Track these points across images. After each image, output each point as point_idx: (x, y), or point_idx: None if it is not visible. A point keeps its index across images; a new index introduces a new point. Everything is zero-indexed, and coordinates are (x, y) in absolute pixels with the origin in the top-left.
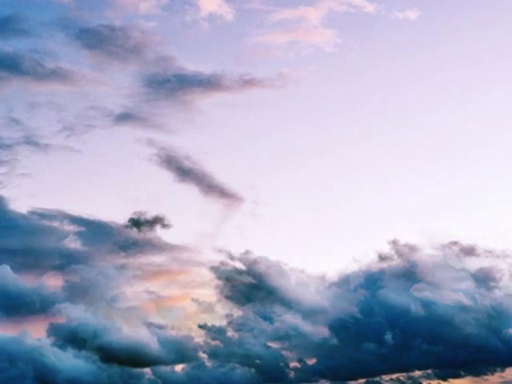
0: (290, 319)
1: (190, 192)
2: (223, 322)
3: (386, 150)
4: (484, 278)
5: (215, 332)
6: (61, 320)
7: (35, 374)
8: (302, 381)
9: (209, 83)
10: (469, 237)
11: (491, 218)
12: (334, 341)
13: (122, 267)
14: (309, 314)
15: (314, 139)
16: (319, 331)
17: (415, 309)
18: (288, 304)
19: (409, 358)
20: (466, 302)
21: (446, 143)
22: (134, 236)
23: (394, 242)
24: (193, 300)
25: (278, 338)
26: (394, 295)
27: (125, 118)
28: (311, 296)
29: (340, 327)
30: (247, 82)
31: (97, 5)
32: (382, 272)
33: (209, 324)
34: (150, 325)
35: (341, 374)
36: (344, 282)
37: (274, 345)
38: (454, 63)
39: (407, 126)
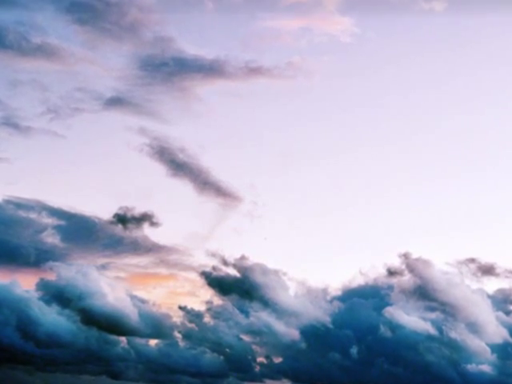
0: (266, 317)
1: (182, 188)
2: (202, 308)
3: (402, 153)
4: (502, 300)
5: (193, 315)
6: (51, 277)
7: (17, 324)
8: (265, 376)
9: (210, 69)
10: (488, 254)
11: None
12: (303, 345)
13: (104, 267)
14: (283, 315)
15: (323, 137)
16: (290, 333)
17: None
18: (266, 302)
19: (369, 373)
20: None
21: (470, 149)
22: (119, 233)
23: (406, 256)
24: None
25: (251, 332)
26: (402, 314)
27: (116, 102)
28: (289, 299)
29: (310, 333)
30: (253, 70)
31: None
32: (390, 288)
33: (188, 307)
34: (133, 297)
35: (303, 376)
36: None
37: (245, 338)
38: (483, 60)
39: (426, 127)
